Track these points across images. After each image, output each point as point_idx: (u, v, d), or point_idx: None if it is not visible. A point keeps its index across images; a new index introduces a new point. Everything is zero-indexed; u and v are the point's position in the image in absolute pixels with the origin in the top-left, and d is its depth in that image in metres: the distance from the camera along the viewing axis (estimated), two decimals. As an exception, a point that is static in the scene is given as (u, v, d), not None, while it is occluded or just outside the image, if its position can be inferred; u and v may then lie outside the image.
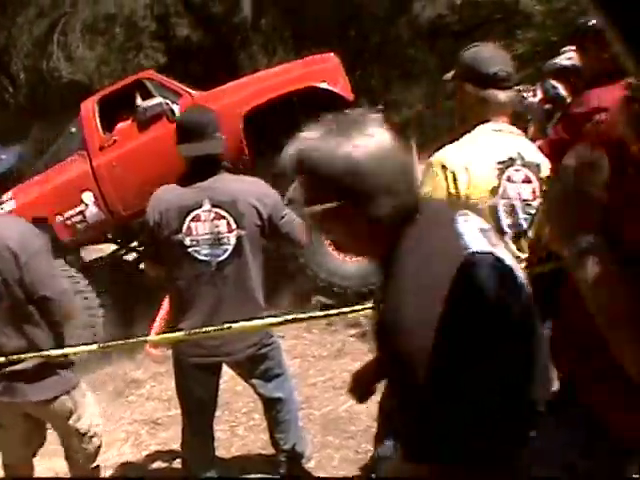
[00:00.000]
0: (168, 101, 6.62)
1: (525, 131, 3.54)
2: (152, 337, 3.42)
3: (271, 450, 3.70)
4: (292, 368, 4.47)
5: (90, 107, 6.98)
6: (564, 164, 1.53)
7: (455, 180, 2.45)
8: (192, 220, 3.12)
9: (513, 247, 2.52)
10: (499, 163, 2.53)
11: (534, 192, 2.58)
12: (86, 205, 6.76)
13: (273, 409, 3.54)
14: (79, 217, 6.78)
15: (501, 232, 2.48)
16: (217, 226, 3.12)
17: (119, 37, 15.82)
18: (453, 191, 2.45)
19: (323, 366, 5.31)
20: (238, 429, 4.52)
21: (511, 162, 2.55)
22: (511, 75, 2.58)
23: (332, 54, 6.86)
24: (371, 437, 2.96)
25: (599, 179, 1.46)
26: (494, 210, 2.52)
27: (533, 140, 3.16)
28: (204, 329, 3.07)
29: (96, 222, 6.82)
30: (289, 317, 3.31)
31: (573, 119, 3.07)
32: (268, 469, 3.80)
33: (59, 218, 6.74)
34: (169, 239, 3.15)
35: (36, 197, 6.83)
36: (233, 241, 3.12)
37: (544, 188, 2.56)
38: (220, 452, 3.85)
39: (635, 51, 0.90)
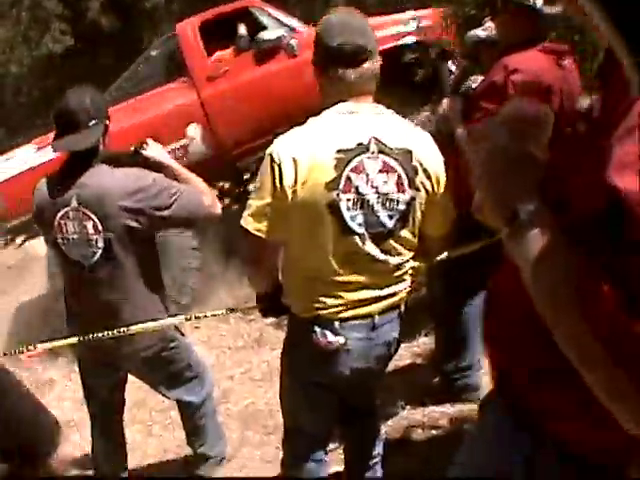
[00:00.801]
0: (288, 34, 6.10)
1: None
2: (45, 344, 3.23)
3: (189, 450, 3.56)
4: (208, 360, 4.35)
5: (191, 32, 6.30)
6: (494, 120, 1.30)
7: (281, 175, 2.16)
8: (62, 218, 2.86)
9: (372, 248, 2.25)
10: (340, 151, 2.18)
11: (400, 184, 2.24)
12: (191, 139, 6.13)
13: (185, 413, 3.40)
14: (181, 152, 6.04)
15: (348, 232, 2.21)
16: (85, 227, 2.85)
17: (25, 20, 15.22)
18: (278, 186, 2.17)
19: (241, 357, 5.17)
20: (153, 428, 4.34)
21: (361, 149, 2.20)
22: (362, 47, 2.21)
23: None
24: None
25: (542, 136, 1.24)
26: (335, 207, 2.19)
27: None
28: (96, 334, 2.89)
29: (200, 159, 6.05)
30: (176, 318, 3.17)
31: (495, 86, 2.96)
32: (185, 471, 3.64)
33: None
34: (47, 235, 2.98)
35: (126, 128, 5.74)
36: (101, 244, 2.84)
37: (420, 178, 2.26)
38: (135, 453, 3.69)
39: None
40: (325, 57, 2.27)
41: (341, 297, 2.28)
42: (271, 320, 5.57)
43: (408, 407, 3.69)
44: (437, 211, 2.36)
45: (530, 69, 2.92)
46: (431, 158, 2.31)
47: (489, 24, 3.65)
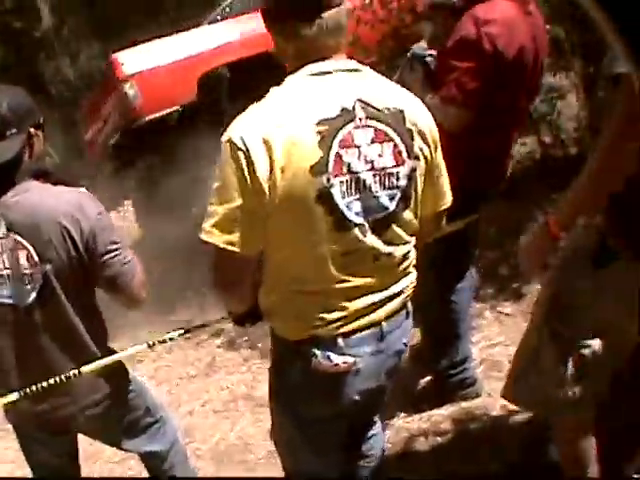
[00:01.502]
0: None
1: None
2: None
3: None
4: (161, 398, 3.86)
5: None
6: None
7: (250, 164, 1.67)
8: None
9: (375, 240, 1.82)
10: (322, 123, 1.71)
11: (397, 154, 1.81)
12: None
13: (151, 464, 2.87)
14: None
15: (346, 225, 1.76)
16: (17, 259, 2.29)
17: None
18: (249, 179, 1.68)
19: (196, 388, 4.65)
20: (111, 484, 3.80)
21: (346, 117, 1.74)
22: None
23: None
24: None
25: None
26: (327, 196, 1.72)
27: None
28: (37, 386, 2.33)
29: None
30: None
31: (467, 41, 2.73)
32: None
33: None
34: None
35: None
36: (39, 279, 2.29)
37: (418, 143, 1.84)
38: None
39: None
40: (274, 9, 1.83)
41: (342, 308, 1.84)
42: (222, 341, 5.17)
43: (405, 415, 3.29)
44: (437, 182, 1.97)
45: (502, 19, 2.71)
46: (424, 117, 1.91)
47: None
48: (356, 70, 1.84)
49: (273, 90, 1.79)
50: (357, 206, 1.77)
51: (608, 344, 2.07)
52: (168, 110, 5.99)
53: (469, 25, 2.72)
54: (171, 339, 2.66)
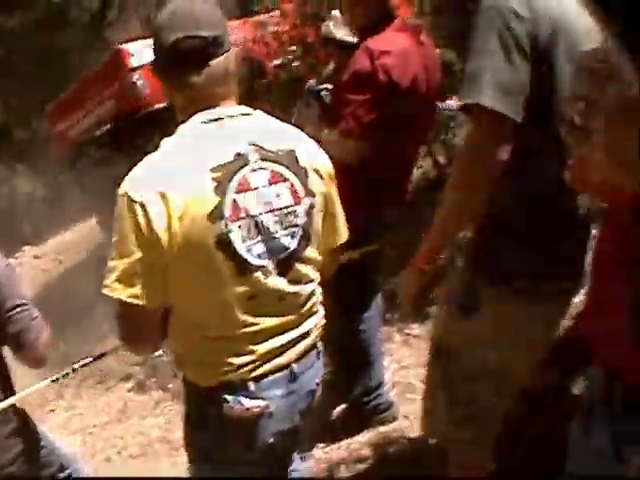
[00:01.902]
0: None
1: None
2: None
3: None
4: (75, 448, 3.77)
5: None
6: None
7: (147, 217, 1.66)
8: None
9: (279, 281, 1.82)
10: (216, 169, 1.72)
11: (294, 192, 1.83)
12: None
13: None
14: None
15: (248, 269, 1.76)
16: None
17: None
18: (146, 232, 1.67)
19: (110, 435, 4.56)
20: None
21: (240, 162, 1.76)
22: (206, 40, 1.75)
23: None
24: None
25: None
26: (226, 242, 1.73)
27: None
28: None
29: None
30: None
31: (361, 74, 2.74)
32: None
33: None
34: None
35: None
36: None
37: (313, 180, 1.87)
38: None
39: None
40: (162, 58, 1.83)
41: (251, 352, 1.83)
42: (132, 385, 5.06)
43: (323, 445, 3.28)
44: (333, 218, 2.00)
45: (396, 51, 2.75)
46: (316, 154, 1.95)
47: (334, 13, 3.39)
48: (247, 114, 1.86)
49: (165, 141, 1.79)
50: (258, 248, 1.78)
51: (495, 386, 2.03)
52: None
53: (363, 58, 2.75)
54: (65, 375, 2.57)
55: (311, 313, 1.95)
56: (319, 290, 1.99)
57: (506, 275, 1.90)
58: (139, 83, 6.14)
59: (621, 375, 1.33)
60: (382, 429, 3.24)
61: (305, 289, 1.90)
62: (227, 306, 1.78)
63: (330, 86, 3.13)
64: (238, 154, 1.76)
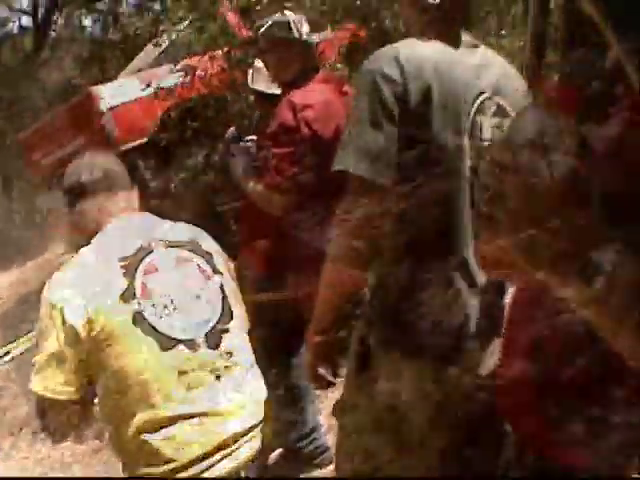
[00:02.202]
0: None
1: None
2: None
3: None
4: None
5: None
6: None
7: (63, 313, 1.80)
8: None
9: (210, 353, 1.91)
10: (124, 259, 1.90)
11: (203, 272, 1.99)
12: None
13: None
14: None
15: (171, 343, 1.86)
16: None
17: None
18: (68, 328, 1.80)
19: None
20: None
21: (145, 251, 1.95)
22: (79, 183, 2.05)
23: None
24: None
25: None
26: (142, 318, 1.84)
27: None
28: None
29: None
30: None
31: (285, 127, 2.80)
32: None
33: None
34: None
35: None
36: None
37: (218, 262, 2.05)
38: None
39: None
40: (68, 193, 2.11)
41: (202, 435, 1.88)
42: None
43: (259, 493, 3.27)
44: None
45: (319, 103, 2.81)
46: (214, 244, 2.13)
47: (257, 64, 3.43)
48: (150, 218, 2.07)
49: (82, 249, 1.96)
50: (179, 323, 1.87)
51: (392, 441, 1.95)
52: (139, 141, 6.18)
53: (286, 112, 2.81)
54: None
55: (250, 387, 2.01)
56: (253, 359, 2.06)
57: (396, 334, 1.86)
58: (108, 126, 6.18)
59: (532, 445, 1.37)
60: (321, 471, 3.27)
61: (239, 358, 1.97)
62: (157, 387, 1.83)
63: (254, 137, 3.17)
64: (141, 247, 1.93)
